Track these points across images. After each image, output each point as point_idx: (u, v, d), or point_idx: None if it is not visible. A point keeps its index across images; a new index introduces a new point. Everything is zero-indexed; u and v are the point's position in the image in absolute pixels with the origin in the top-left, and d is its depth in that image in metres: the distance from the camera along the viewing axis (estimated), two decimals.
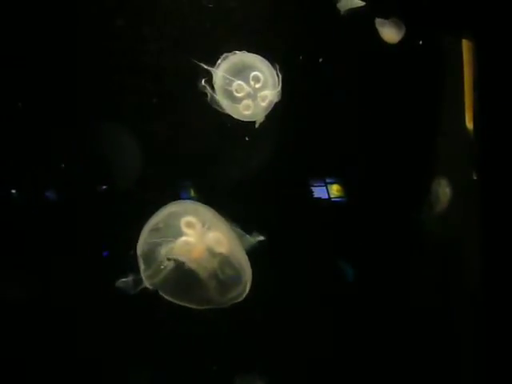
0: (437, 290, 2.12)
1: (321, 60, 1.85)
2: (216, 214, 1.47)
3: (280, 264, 1.77)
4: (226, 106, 1.58)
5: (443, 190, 2.11)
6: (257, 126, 1.57)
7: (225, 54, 1.53)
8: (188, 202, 1.54)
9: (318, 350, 1.88)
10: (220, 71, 1.53)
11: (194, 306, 1.46)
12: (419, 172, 2.15)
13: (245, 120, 1.60)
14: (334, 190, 2.06)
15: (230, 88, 1.56)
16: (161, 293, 1.44)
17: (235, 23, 1.62)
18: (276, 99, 1.58)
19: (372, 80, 2.01)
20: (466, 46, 2.22)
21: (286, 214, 1.83)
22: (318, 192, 2.04)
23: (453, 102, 2.22)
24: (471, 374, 2.13)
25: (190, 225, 1.43)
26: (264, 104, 1.58)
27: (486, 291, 2.09)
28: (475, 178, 2.16)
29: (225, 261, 1.45)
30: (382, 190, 2.06)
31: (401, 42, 2.07)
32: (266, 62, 1.55)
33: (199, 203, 1.50)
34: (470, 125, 2.19)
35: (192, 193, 1.68)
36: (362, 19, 1.92)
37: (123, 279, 1.41)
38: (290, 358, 1.83)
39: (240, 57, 1.55)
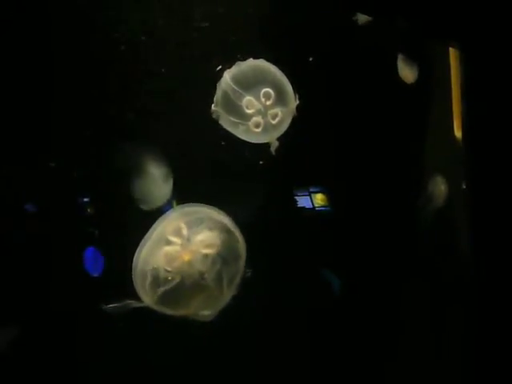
0: (430, 297, 2.15)
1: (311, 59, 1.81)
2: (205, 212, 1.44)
3: (264, 274, 1.73)
4: (233, 122, 1.50)
5: (439, 188, 2.13)
6: (273, 151, 1.50)
7: (237, 63, 1.46)
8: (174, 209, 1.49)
9: (302, 365, 1.87)
10: (231, 83, 1.46)
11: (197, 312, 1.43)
12: (408, 179, 2.16)
13: (252, 139, 1.53)
14: (319, 200, 2.04)
15: (239, 103, 1.48)
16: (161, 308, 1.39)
17: (248, 31, 1.54)
18: (288, 117, 1.51)
19: (361, 88, 1.99)
20: (453, 54, 2.24)
21: (269, 224, 1.79)
22: (302, 201, 2.01)
23: (441, 111, 2.24)
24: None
25: (175, 232, 1.40)
26: (274, 122, 1.51)
27: (480, 298, 2.13)
28: (464, 186, 2.19)
29: (219, 259, 1.42)
30: (370, 199, 2.06)
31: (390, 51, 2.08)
32: (281, 76, 1.48)
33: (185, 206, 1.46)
34: (458, 133, 2.21)
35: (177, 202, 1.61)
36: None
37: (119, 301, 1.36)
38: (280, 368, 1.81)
39: (252, 67, 1.47)
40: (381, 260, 2.04)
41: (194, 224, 1.41)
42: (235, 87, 1.47)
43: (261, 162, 1.58)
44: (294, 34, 1.68)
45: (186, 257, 1.39)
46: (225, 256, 1.42)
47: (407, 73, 2.00)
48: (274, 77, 1.48)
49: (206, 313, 1.50)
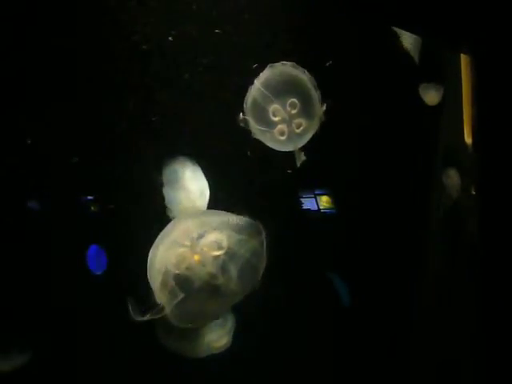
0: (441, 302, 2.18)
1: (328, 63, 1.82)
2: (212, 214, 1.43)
3: (269, 277, 1.75)
4: (260, 130, 1.51)
5: (452, 181, 2.16)
6: (298, 164, 1.50)
7: (269, 65, 1.46)
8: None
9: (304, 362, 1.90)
10: (261, 87, 1.46)
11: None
12: (422, 177, 2.20)
13: (278, 147, 1.54)
14: (324, 202, 2.06)
15: (267, 108, 1.49)
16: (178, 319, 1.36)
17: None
18: (313, 128, 1.52)
19: (373, 93, 2.01)
20: (464, 61, 2.26)
21: (276, 226, 1.80)
22: (308, 203, 2.03)
23: (452, 117, 2.26)
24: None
25: (185, 235, 1.37)
26: (298, 131, 1.52)
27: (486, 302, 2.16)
28: (474, 192, 2.22)
29: (233, 259, 1.39)
30: (378, 201, 2.08)
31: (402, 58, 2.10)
32: (309, 85, 1.49)
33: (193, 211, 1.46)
34: (468, 139, 2.24)
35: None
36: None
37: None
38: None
39: (282, 74, 1.47)
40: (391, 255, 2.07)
41: (204, 226, 1.39)
42: (264, 90, 1.47)
43: (289, 171, 1.59)
44: (320, 40, 1.69)
45: (196, 259, 1.37)
46: (240, 256, 1.40)
47: (432, 96, 2.02)
48: (303, 86, 1.48)
49: (222, 342, 1.50)
